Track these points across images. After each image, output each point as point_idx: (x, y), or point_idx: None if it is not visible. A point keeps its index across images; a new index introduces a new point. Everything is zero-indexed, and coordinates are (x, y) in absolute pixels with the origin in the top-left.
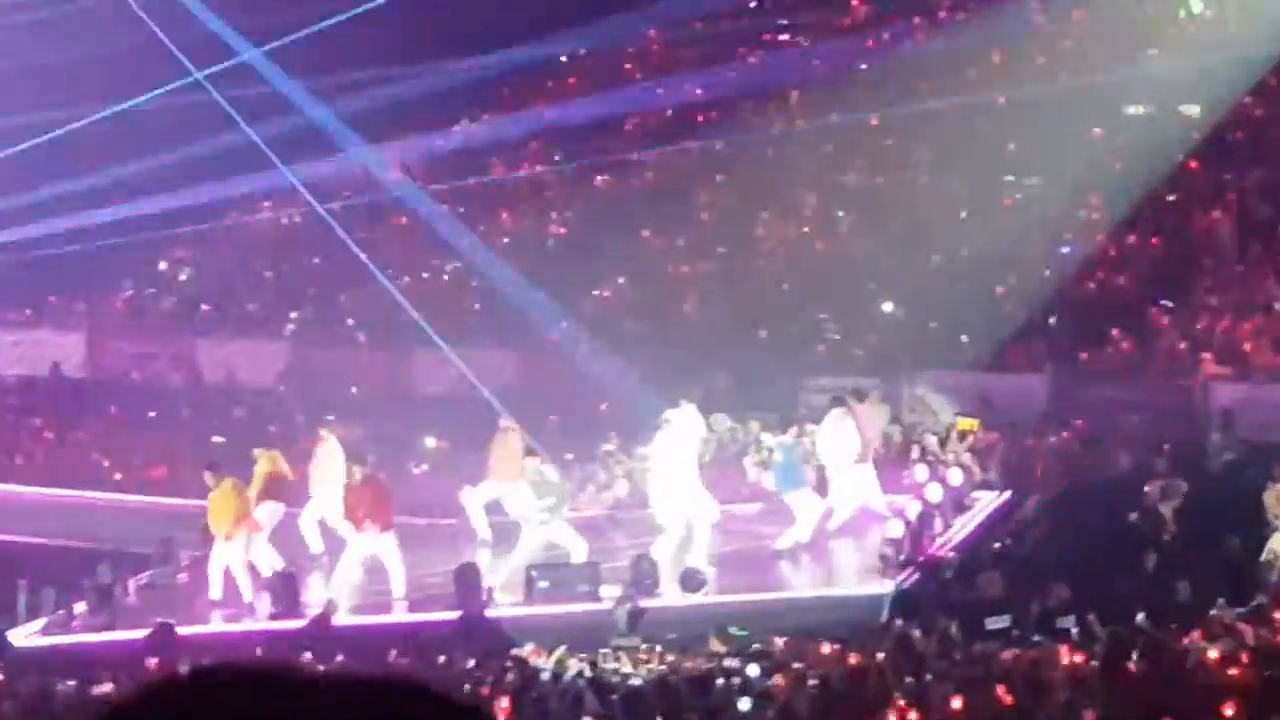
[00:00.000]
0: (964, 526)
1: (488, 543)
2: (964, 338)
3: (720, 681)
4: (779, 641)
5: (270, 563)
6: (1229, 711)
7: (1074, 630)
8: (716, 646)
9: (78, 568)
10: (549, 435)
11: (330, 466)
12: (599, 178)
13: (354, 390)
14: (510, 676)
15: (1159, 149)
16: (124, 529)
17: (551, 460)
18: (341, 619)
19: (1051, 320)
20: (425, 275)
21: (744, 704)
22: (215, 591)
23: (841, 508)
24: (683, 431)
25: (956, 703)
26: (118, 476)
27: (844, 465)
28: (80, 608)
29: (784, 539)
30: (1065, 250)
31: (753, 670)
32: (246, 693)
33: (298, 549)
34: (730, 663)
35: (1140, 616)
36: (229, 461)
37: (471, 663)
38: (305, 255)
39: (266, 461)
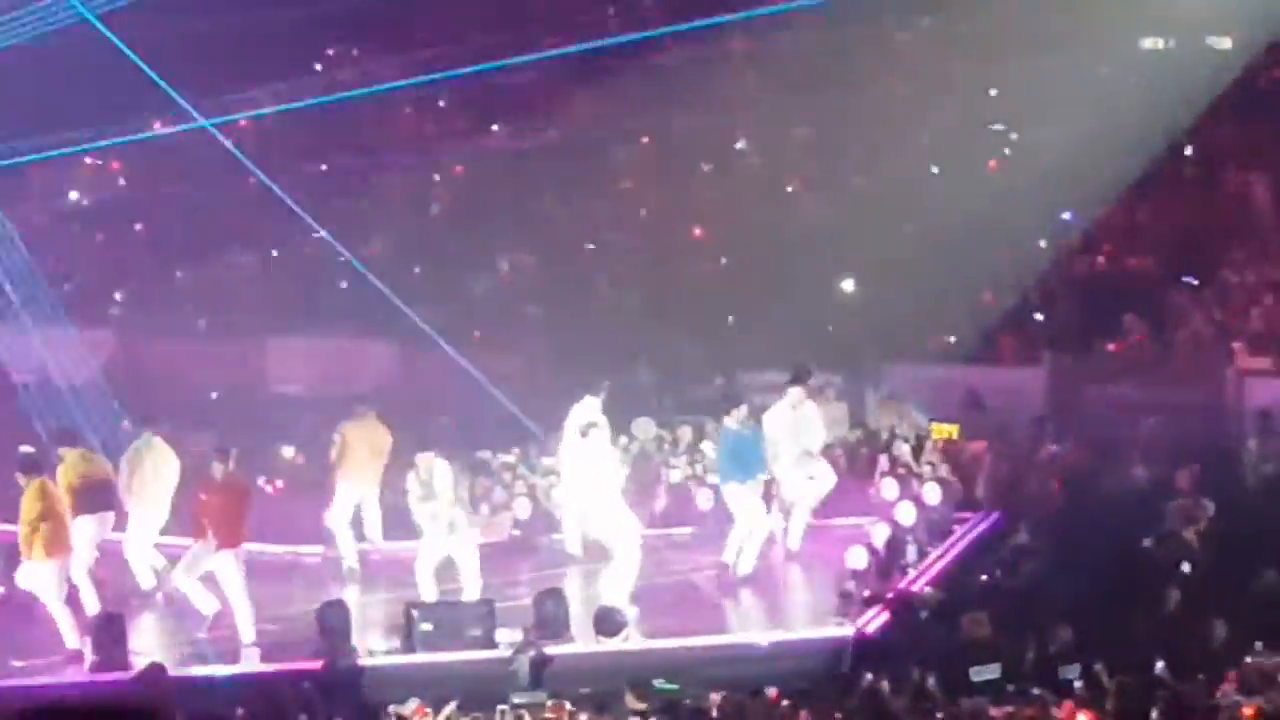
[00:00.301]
0: (943, 555)
1: (354, 574)
2: (943, 325)
3: None
4: (715, 698)
5: (92, 597)
6: None
7: (1078, 682)
8: (634, 704)
9: None
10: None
11: (155, 475)
12: (494, 129)
13: (212, 393)
14: None
15: (1182, 93)
16: None
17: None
18: (179, 669)
19: (1038, 312)
20: (275, 254)
21: None
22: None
23: (794, 515)
24: (607, 437)
25: None
26: None
27: (795, 460)
28: None
29: (728, 549)
30: (1066, 218)
31: None
32: None
33: (124, 582)
34: None
35: (1159, 665)
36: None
37: None
38: (133, 224)
39: (77, 464)
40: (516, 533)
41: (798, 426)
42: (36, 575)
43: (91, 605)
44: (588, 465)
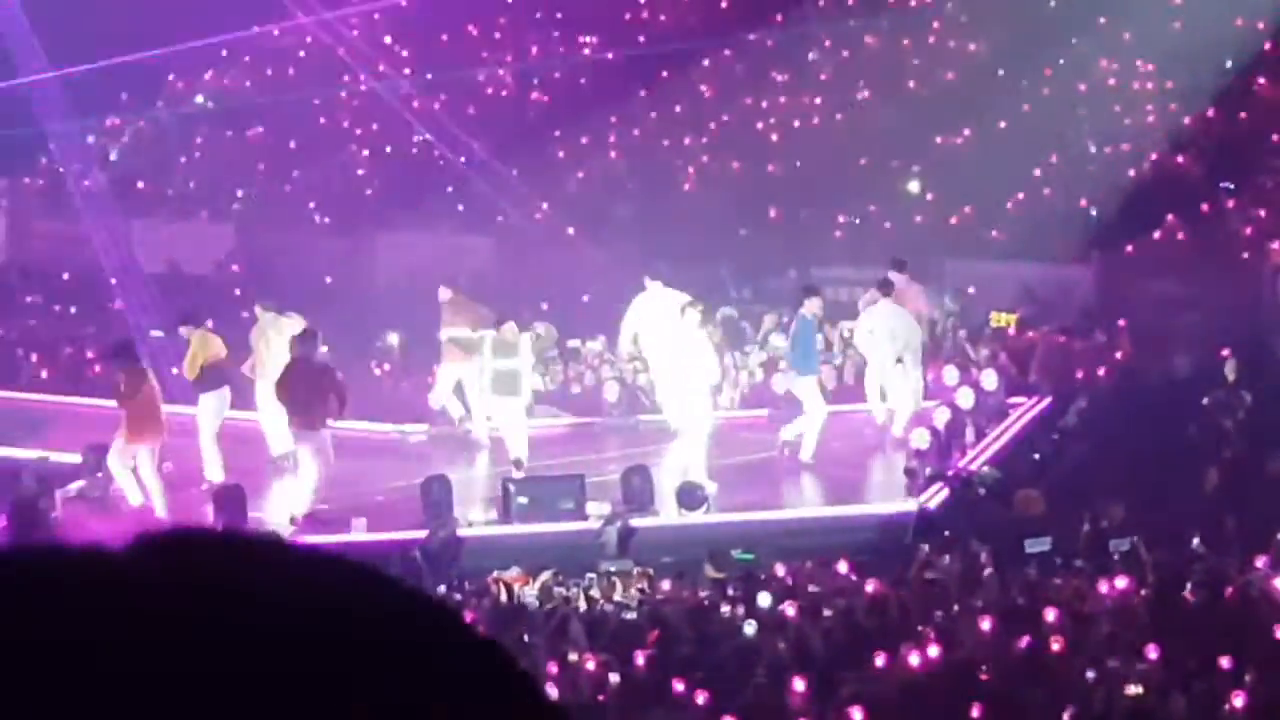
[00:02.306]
0: (999, 437)
1: (470, 442)
2: (999, 223)
3: (725, 610)
4: (782, 568)
5: (217, 467)
6: None
7: (1116, 556)
8: (712, 573)
9: None
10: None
11: (272, 352)
12: (587, 40)
13: (325, 279)
14: (484, 602)
15: (1225, 8)
16: (49, 433)
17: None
18: (290, 536)
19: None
20: (389, 150)
21: (749, 628)
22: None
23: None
24: (694, 320)
25: (987, 635)
26: (43, 374)
27: (906, 358)
28: None
29: (789, 428)
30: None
31: (763, 599)
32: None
33: (254, 452)
34: (734, 590)
35: (1195, 542)
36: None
37: (442, 588)
38: (252, 127)
39: (199, 343)
40: (604, 415)
41: (905, 324)
42: (128, 454)
43: (216, 475)
44: (675, 345)
